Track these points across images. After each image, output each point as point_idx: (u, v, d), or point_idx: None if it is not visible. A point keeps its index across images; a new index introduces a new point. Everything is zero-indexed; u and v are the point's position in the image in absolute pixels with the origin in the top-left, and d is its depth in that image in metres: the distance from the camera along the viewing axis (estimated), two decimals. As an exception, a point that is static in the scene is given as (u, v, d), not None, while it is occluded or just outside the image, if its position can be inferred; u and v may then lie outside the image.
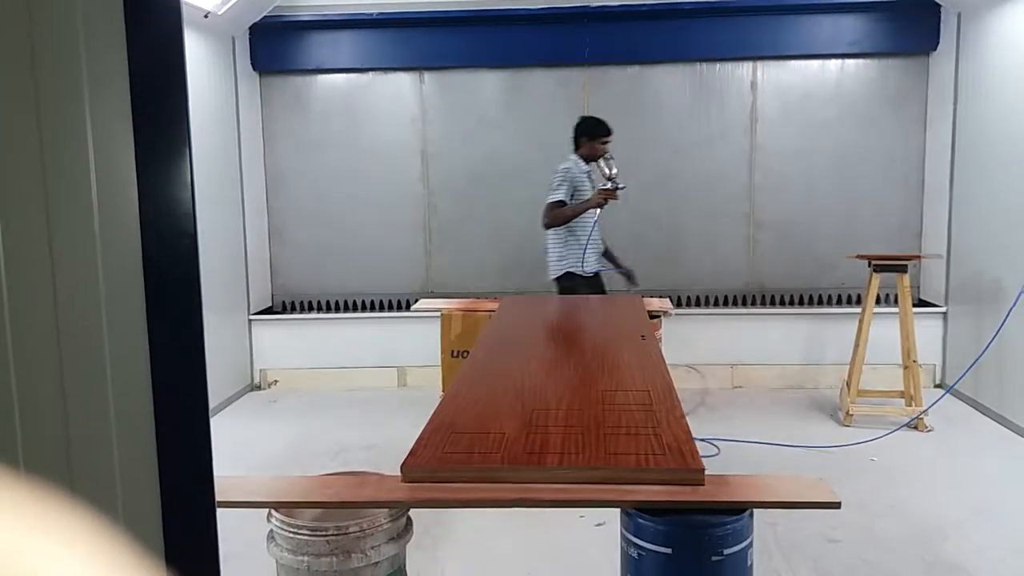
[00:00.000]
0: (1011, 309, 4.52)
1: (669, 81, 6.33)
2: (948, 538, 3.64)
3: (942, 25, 5.97)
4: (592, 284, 5.14)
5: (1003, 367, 4.72)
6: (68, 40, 0.87)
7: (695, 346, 6.07)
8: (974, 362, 4.74)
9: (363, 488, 2.03)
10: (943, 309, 6.01)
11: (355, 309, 6.56)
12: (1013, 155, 5.08)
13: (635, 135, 6.31)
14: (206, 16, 5.43)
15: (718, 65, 6.25)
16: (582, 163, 5.09)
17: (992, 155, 5.35)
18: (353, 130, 6.45)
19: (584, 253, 5.02)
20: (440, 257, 6.52)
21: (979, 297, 5.52)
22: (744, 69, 6.23)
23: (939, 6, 5.92)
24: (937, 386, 6.06)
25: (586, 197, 4.97)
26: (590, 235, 5.03)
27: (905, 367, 5.26)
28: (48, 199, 0.86)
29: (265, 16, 6.12)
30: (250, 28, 6.19)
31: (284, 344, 6.46)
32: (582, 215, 4.99)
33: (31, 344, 0.86)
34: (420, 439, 2.17)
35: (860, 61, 6.18)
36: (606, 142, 5.02)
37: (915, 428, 5.13)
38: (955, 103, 5.83)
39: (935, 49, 6.04)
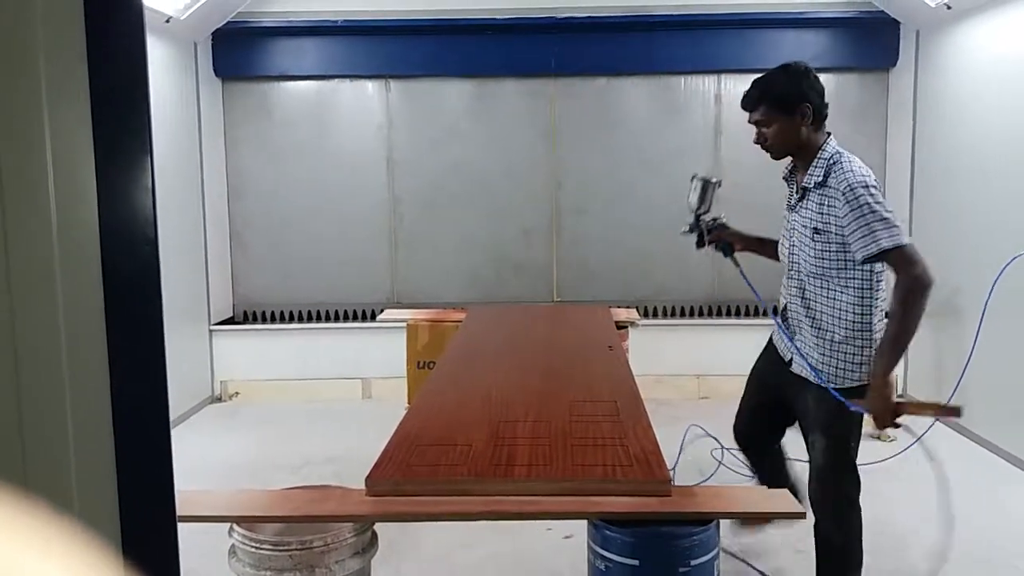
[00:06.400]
0: (981, 320, 4.58)
1: (635, 93, 6.37)
2: (909, 547, 3.68)
3: (902, 42, 6.08)
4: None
5: (964, 378, 4.78)
6: (27, 44, 0.84)
7: (662, 357, 6.10)
8: (952, 393, 4.81)
9: (327, 502, 2.00)
10: (904, 349, 6.07)
11: (319, 319, 6.49)
12: (971, 169, 5.19)
13: (602, 147, 6.34)
14: (167, 21, 5.36)
15: (683, 78, 6.30)
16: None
17: (950, 169, 5.46)
18: (318, 138, 6.40)
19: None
20: (406, 267, 6.49)
21: (939, 308, 5.61)
22: (708, 82, 6.29)
23: (899, 23, 6.04)
24: (899, 397, 6.14)
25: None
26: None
27: (867, 377, 5.32)
28: (4, 205, 0.83)
29: (228, 22, 6.06)
30: (213, 34, 6.11)
31: (245, 355, 6.36)
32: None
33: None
34: (385, 452, 2.15)
35: (822, 76, 6.23)
36: (749, 120, 2.91)
37: (878, 439, 5.19)
38: (914, 118, 5.94)
39: (895, 65, 6.15)
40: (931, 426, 4.82)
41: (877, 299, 2.77)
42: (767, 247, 3.16)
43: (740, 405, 3.23)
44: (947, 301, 5.50)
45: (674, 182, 6.35)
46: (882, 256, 2.55)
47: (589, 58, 6.23)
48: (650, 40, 6.20)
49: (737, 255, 3.16)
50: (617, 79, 6.34)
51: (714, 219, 3.16)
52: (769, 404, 3.10)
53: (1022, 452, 4.70)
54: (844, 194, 2.60)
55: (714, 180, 3.13)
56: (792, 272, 2.86)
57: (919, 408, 2.84)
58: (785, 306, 2.92)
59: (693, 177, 3.16)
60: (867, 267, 2.68)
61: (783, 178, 2.96)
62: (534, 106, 6.36)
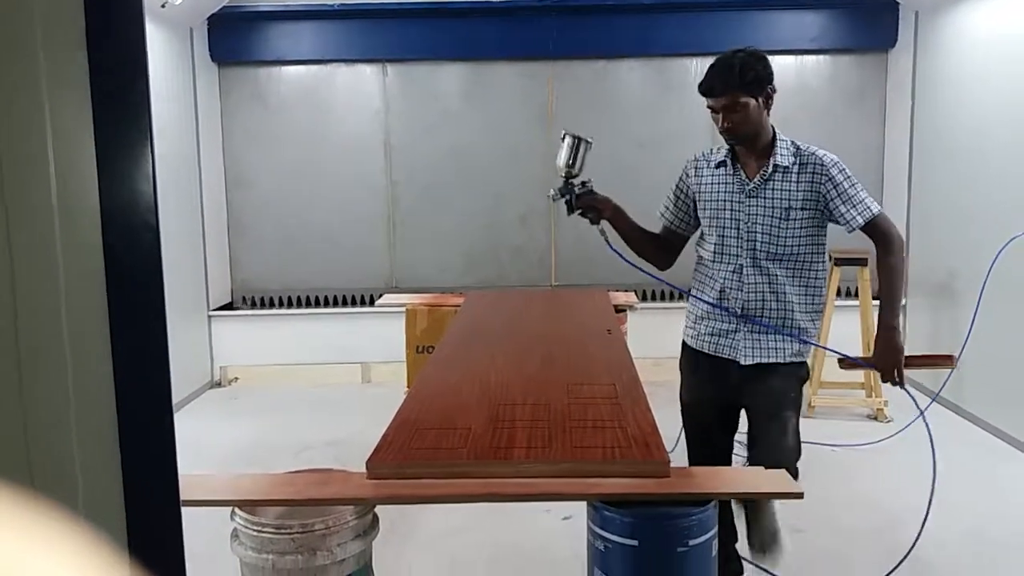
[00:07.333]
0: (979, 301, 4.60)
1: (633, 76, 6.35)
2: (907, 525, 3.70)
3: (900, 23, 6.06)
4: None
5: (962, 358, 4.81)
6: (25, 28, 0.84)
7: (661, 340, 6.09)
8: (949, 375, 4.83)
9: (328, 485, 2.01)
10: (902, 302, 6.10)
11: (317, 304, 6.50)
12: (969, 150, 5.18)
13: (599, 129, 6.29)
14: (163, 6, 5.33)
15: (681, 60, 6.28)
16: (723, 148, 2.81)
17: (949, 150, 5.46)
18: (315, 122, 6.38)
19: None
20: (404, 251, 6.48)
21: (937, 290, 5.63)
22: (707, 64, 6.25)
23: (897, 4, 6.01)
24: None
25: (708, 207, 2.88)
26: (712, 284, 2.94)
27: (865, 359, 5.35)
28: (5, 192, 0.83)
29: (224, 6, 6.02)
30: (209, 18, 6.08)
31: (245, 340, 6.37)
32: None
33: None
34: (385, 435, 2.16)
35: (820, 57, 6.25)
36: (710, 107, 2.78)
37: (875, 419, 5.23)
38: (913, 99, 5.93)
39: (893, 46, 6.13)
40: (928, 406, 4.85)
41: (824, 287, 2.81)
42: (642, 239, 3.15)
43: (691, 449, 2.94)
44: (945, 281, 5.52)
45: (673, 164, 6.33)
46: (872, 222, 2.64)
47: (586, 40, 6.20)
48: (647, 22, 6.17)
49: (606, 226, 3.00)
50: (614, 61, 6.32)
51: (583, 183, 2.94)
52: (721, 429, 2.93)
53: (1018, 432, 4.72)
54: (830, 168, 2.64)
55: (586, 138, 2.89)
56: (756, 260, 2.72)
57: (921, 360, 2.87)
58: (742, 306, 2.76)
59: (564, 135, 2.88)
60: (825, 249, 2.73)
61: (720, 165, 2.78)
62: (531, 89, 6.34)
